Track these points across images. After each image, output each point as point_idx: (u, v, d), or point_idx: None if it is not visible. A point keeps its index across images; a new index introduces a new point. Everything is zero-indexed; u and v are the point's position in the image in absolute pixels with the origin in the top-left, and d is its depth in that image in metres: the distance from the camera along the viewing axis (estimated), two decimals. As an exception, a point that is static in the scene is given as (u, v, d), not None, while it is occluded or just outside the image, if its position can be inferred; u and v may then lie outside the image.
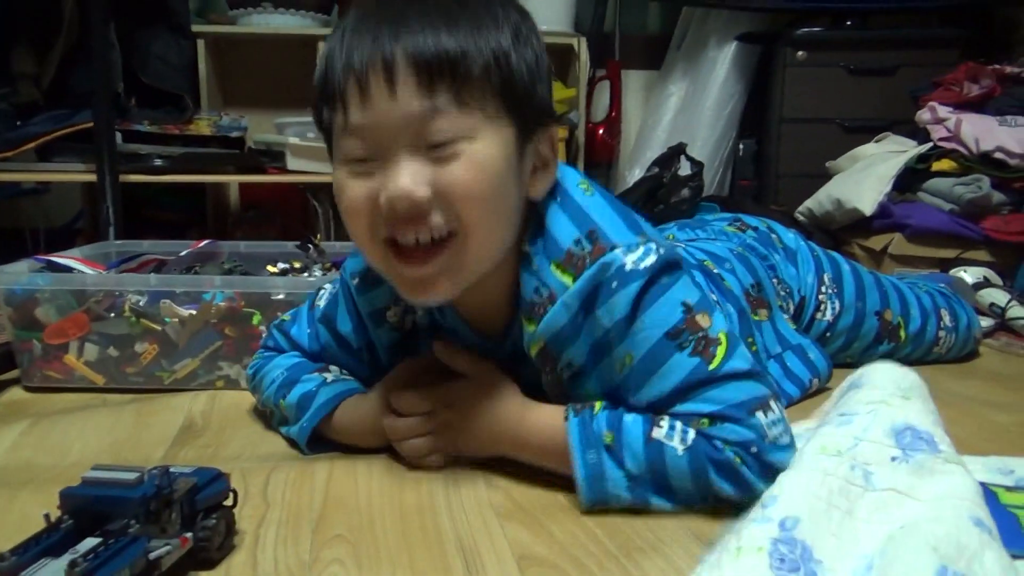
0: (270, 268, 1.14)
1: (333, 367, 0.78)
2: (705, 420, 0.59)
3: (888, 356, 1.01)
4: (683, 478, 0.59)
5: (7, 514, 0.61)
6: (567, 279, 0.62)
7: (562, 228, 0.63)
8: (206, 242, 1.18)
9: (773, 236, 1.00)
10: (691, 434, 0.59)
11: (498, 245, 0.63)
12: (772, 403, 0.60)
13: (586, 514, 0.60)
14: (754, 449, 0.58)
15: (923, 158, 1.67)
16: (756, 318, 0.87)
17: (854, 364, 1.01)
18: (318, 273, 1.11)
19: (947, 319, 1.06)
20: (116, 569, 0.44)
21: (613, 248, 0.61)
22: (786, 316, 0.93)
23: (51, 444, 0.77)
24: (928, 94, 1.74)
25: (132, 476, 0.50)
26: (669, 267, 0.62)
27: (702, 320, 0.61)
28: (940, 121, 1.65)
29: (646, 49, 2.47)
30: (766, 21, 2.23)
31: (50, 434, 0.80)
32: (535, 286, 0.64)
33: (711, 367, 0.60)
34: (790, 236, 1.02)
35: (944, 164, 1.64)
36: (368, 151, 0.58)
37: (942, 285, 1.16)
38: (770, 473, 0.56)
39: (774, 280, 0.93)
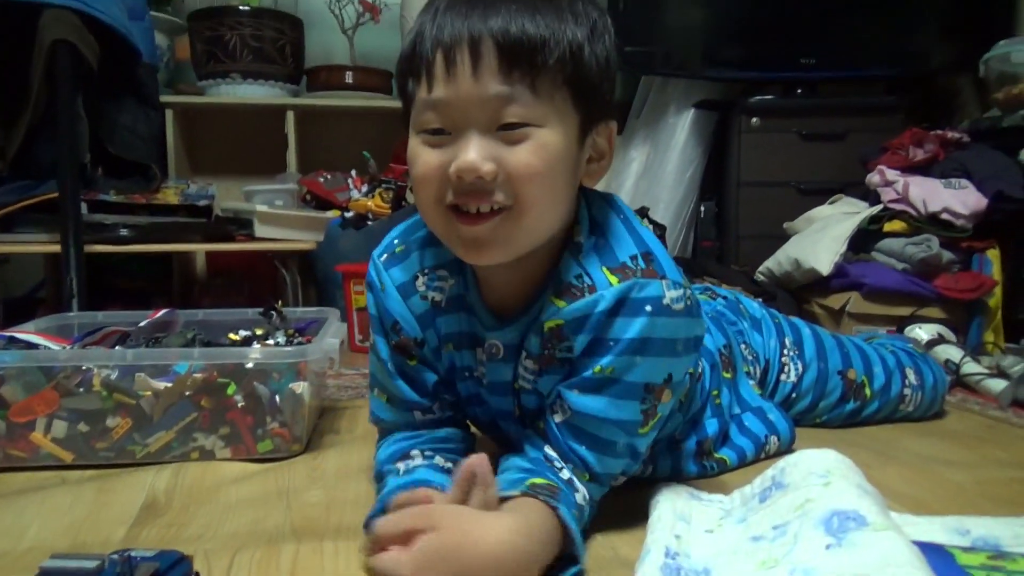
0: (232, 336, 1.13)
1: (416, 448, 0.75)
2: (587, 475, 0.68)
3: (855, 414, 1.05)
4: (583, 525, 0.66)
5: (-41, 605, 0.59)
6: (613, 280, 0.66)
7: (623, 243, 0.68)
8: (164, 311, 1.17)
9: (740, 306, 1.05)
10: (586, 493, 0.67)
11: (549, 224, 0.66)
12: (627, 474, 0.72)
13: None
14: (600, 498, 0.70)
15: (875, 219, 1.73)
16: (725, 375, 0.91)
17: (824, 425, 1.05)
18: (281, 340, 1.11)
19: (912, 377, 1.09)
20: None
21: (663, 277, 0.66)
22: (752, 381, 0.96)
23: (5, 527, 0.75)
24: (877, 158, 1.82)
25: (92, 564, 0.49)
26: (691, 314, 0.67)
27: (665, 396, 0.68)
28: (889, 184, 1.73)
29: (614, 98, 2.55)
30: (721, 89, 2.33)
31: (4, 517, 0.77)
32: (578, 273, 0.68)
33: (640, 430, 0.68)
34: (755, 306, 1.07)
35: (895, 225, 1.70)
36: (444, 124, 0.62)
37: (910, 345, 1.19)
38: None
39: (742, 345, 0.98)
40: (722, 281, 1.77)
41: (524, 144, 0.61)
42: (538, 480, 0.64)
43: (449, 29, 0.61)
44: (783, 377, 1.02)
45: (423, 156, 0.64)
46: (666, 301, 0.65)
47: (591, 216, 0.70)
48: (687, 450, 0.84)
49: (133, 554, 0.52)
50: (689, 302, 0.67)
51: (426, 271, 0.75)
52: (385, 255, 0.77)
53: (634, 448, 0.69)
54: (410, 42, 0.64)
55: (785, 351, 1.02)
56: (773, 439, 0.91)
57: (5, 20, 1.52)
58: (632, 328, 0.65)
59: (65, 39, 1.52)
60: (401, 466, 0.73)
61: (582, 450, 0.68)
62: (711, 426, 0.87)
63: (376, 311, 0.77)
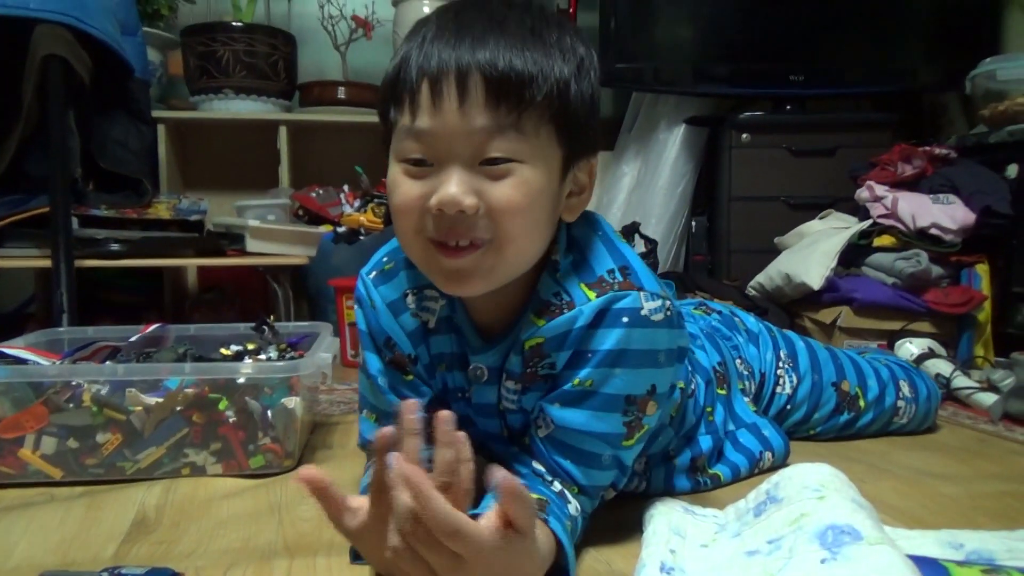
0: (224, 351, 1.13)
1: None
2: (576, 488, 0.68)
3: (849, 425, 1.06)
4: (576, 537, 0.67)
5: (-55, 624, 0.58)
6: (591, 295, 0.67)
7: (600, 258, 0.69)
8: (155, 326, 1.17)
9: (736, 319, 1.06)
10: (577, 505, 0.67)
11: (530, 256, 0.67)
12: (616, 487, 0.73)
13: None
14: (592, 511, 0.71)
15: (864, 234, 1.74)
16: (720, 391, 0.92)
17: (818, 437, 1.05)
18: (273, 354, 1.11)
19: (906, 389, 1.09)
20: None
21: (640, 289, 0.66)
22: (746, 398, 0.96)
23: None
24: (865, 174, 1.84)
25: None
26: (671, 324, 0.67)
27: (650, 408, 0.68)
28: (878, 199, 1.74)
29: (599, 130, 2.57)
30: (711, 105, 2.35)
31: (-7, 534, 0.77)
32: (556, 291, 0.68)
33: (624, 442, 0.68)
34: (751, 320, 1.08)
35: (884, 240, 1.72)
36: (427, 154, 0.61)
37: (902, 359, 1.20)
38: None
39: (737, 360, 0.98)
40: (714, 295, 1.77)
41: (507, 180, 0.61)
42: (532, 496, 0.64)
43: (436, 59, 0.60)
44: (778, 389, 1.02)
45: (403, 186, 0.63)
46: (644, 312, 0.65)
47: (570, 235, 0.71)
48: (680, 465, 0.84)
49: (124, 571, 0.52)
50: (669, 312, 0.67)
51: (415, 291, 0.75)
52: (374, 272, 0.77)
53: (620, 460, 0.69)
54: (394, 68, 0.64)
55: (780, 363, 1.03)
56: (767, 455, 0.91)
57: (-3, 35, 1.52)
58: (609, 339, 0.65)
59: (57, 54, 1.53)
60: None
61: (567, 464, 0.68)
62: (705, 442, 0.87)
63: (367, 327, 0.77)
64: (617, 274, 0.67)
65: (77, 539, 0.75)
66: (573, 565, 0.62)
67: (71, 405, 0.91)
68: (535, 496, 0.64)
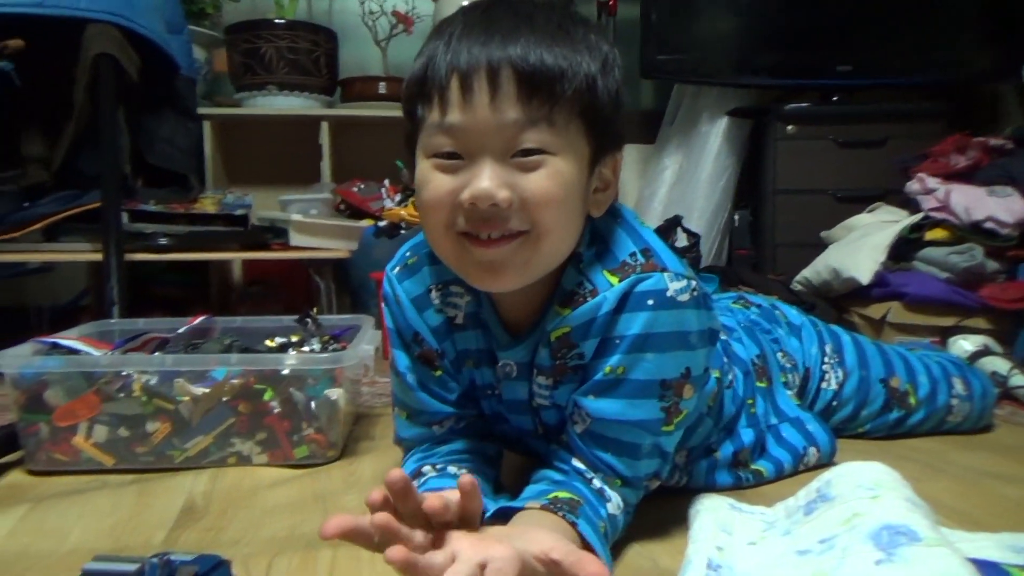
0: (269, 342, 1.14)
1: (428, 464, 0.74)
2: (619, 481, 0.67)
3: (900, 423, 1.03)
4: (618, 536, 0.67)
5: (4, 605, 0.60)
6: (614, 280, 0.66)
7: (621, 244, 0.68)
8: (202, 318, 1.19)
9: (777, 312, 1.03)
10: (618, 499, 0.67)
11: (563, 250, 0.66)
12: (660, 476, 0.71)
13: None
14: (636, 504, 0.70)
15: (916, 227, 1.69)
16: (760, 384, 0.90)
17: (868, 435, 1.02)
18: (316, 346, 1.12)
19: (960, 387, 1.05)
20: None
21: (664, 269, 0.66)
22: (790, 392, 0.94)
23: (49, 529, 0.76)
24: (917, 165, 1.78)
25: (132, 568, 0.50)
26: (699, 305, 0.66)
27: (687, 391, 0.67)
28: (930, 192, 1.69)
29: (640, 123, 2.54)
30: (755, 97, 2.30)
31: (48, 518, 0.79)
32: (580, 281, 0.68)
33: (664, 428, 0.67)
34: (794, 313, 1.05)
35: (937, 233, 1.66)
36: (458, 148, 0.61)
37: (955, 357, 1.16)
38: None
39: (779, 353, 0.96)
40: (758, 290, 1.74)
41: (540, 171, 0.61)
42: (562, 494, 0.64)
43: (466, 56, 0.60)
44: (824, 385, 0.99)
45: (434, 181, 0.62)
46: (670, 293, 0.65)
47: (592, 226, 0.70)
48: (723, 459, 0.83)
49: (173, 557, 0.53)
50: (695, 292, 0.66)
51: (440, 286, 0.74)
52: (398, 268, 0.77)
53: (661, 448, 0.68)
54: (420, 66, 0.63)
55: (826, 358, 1.00)
56: (812, 450, 0.89)
57: (51, 35, 1.56)
58: (636, 323, 0.64)
59: (108, 52, 1.56)
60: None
61: (608, 457, 0.67)
62: (747, 435, 0.85)
63: (394, 325, 0.77)
64: (639, 256, 0.67)
65: (128, 525, 0.77)
66: (608, 563, 0.61)
67: (122, 394, 0.93)
68: (567, 495, 0.63)
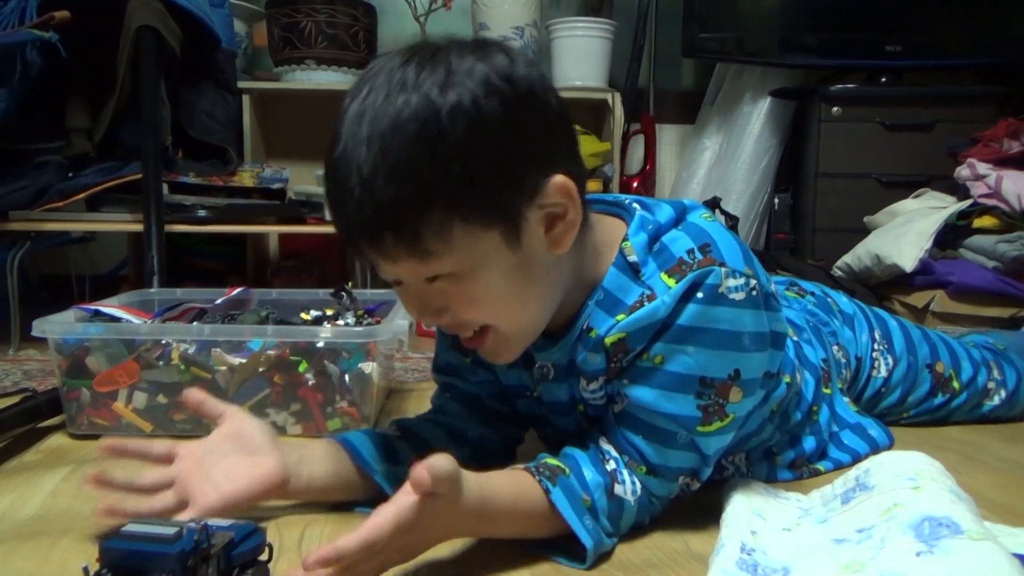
0: (304, 315, 1.15)
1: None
2: (643, 468, 0.65)
3: (942, 407, 1.01)
4: (628, 522, 0.65)
5: (46, 564, 0.61)
6: (671, 282, 0.63)
7: (678, 240, 0.65)
8: (239, 290, 1.20)
9: (829, 300, 1.00)
10: (637, 486, 0.65)
11: (542, 312, 0.65)
12: (698, 476, 0.68)
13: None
14: (667, 500, 0.68)
15: (964, 214, 1.65)
16: (825, 391, 0.87)
17: (912, 421, 1.01)
18: (351, 320, 1.13)
19: (996, 372, 1.05)
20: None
21: (721, 264, 0.63)
22: (846, 399, 0.92)
23: (88, 492, 0.78)
24: (966, 150, 1.73)
25: (171, 531, 0.50)
26: (757, 305, 0.64)
27: (734, 394, 0.64)
28: (980, 178, 1.64)
29: (680, 104, 2.50)
30: (799, 77, 2.25)
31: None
32: (634, 284, 0.65)
33: (700, 428, 0.64)
34: (845, 300, 1.02)
35: (985, 221, 1.62)
36: (393, 279, 0.63)
37: (991, 341, 1.14)
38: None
39: (835, 347, 0.93)
40: (797, 275, 1.71)
41: (459, 283, 0.59)
42: (553, 461, 0.64)
43: (341, 229, 0.59)
44: (874, 373, 0.97)
45: (401, 296, 0.65)
46: (722, 289, 0.62)
47: (646, 226, 0.66)
48: (783, 461, 0.81)
49: (209, 523, 0.53)
50: (755, 292, 0.64)
51: None
52: None
53: (697, 446, 0.65)
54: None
55: (875, 345, 0.97)
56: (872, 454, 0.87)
57: (94, 8, 1.58)
58: (682, 316, 0.62)
59: (150, 25, 1.57)
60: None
61: (638, 440, 0.65)
62: (808, 443, 0.83)
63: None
64: (697, 253, 0.64)
65: (166, 490, 0.78)
66: (590, 539, 0.60)
67: (161, 362, 0.94)
68: (555, 462, 0.64)
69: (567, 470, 0.63)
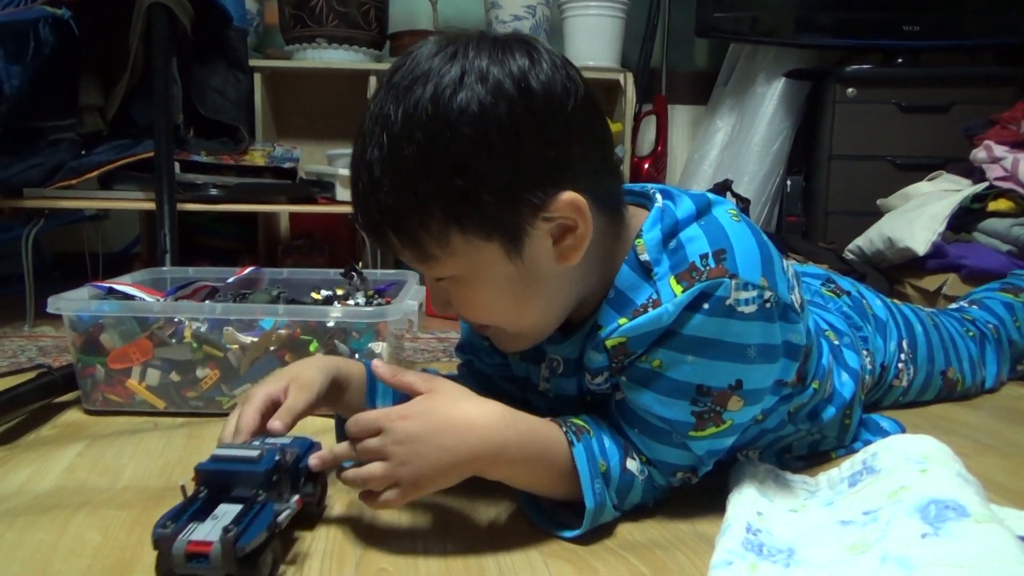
0: (314, 295, 1.16)
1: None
2: (643, 457, 0.66)
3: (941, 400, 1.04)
4: (633, 499, 0.66)
5: (63, 537, 0.62)
6: (678, 289, 0.61)
7: (696, 242, 0.62)
8: (250, 269, 1.21)
9: (864, 303, 0.98)
10: (645, 468, 0.66)
11: (549, 317, 0.66)
12: (696, 472, 0.68)
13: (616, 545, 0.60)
14: (667, 489, 0.68)
15: (978, 198, 1.63)
16: (860, 396, 0.86)
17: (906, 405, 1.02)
18: (361, 300, 1.13)
19: (981, 370, 1.10)
20: (258, 531, 0.52)
21: (733, 276, 0.60)
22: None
23: (105, 466, 0.79)
24: (983, 132, 1.71)
25: (254, 452, 0.58)
26: (767, 318, 0.62)
27: (733, 403, 0.63)
28: (996, 160, 1.62)
29: (693, 84, 2.48)
30: (815, 58, 2.22)
31: (104, 456, 0.82)
32: (643, 286, 0.63)
33: (691, 432, 0.64)
34: (879, 304, 0.99)
35: (1001, 204, 1.60)
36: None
37: (1000, 309, 1.16)
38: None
39: (864, 352, 0.91)
40: (808, 259, 1.70)
41: (461, 289, 0.63)
42: (579, 421, 0.65)
43: (359, 220, 0.62)
44: (895, 382, 0.97)
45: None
46: (729, 301, 0.60)
47: (668, 219, 0.64)
48: (796, 452, 0.81)
49: (278, 442, 0.61)
50: (769, 304, 0.61)
51: None
52: None
53: (689, 447, 0.65)
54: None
55: (902, 355, 0.97)
56: None
57: (107, -16, 1.58)
58: (687, 326, 0.61)
59: (161, 2, 1.57)
60: None
61: (632, 433, 0.66)
62: (827, 444, 0.82)
63: None
64: (711, 260, 0.61)
65: (179, 464, 0.80)
66: (592, 501, 0.61)
67: (173, 340, 0.95)
68: (582, 423, 0.65)
69: (591, 431, 0.64)
